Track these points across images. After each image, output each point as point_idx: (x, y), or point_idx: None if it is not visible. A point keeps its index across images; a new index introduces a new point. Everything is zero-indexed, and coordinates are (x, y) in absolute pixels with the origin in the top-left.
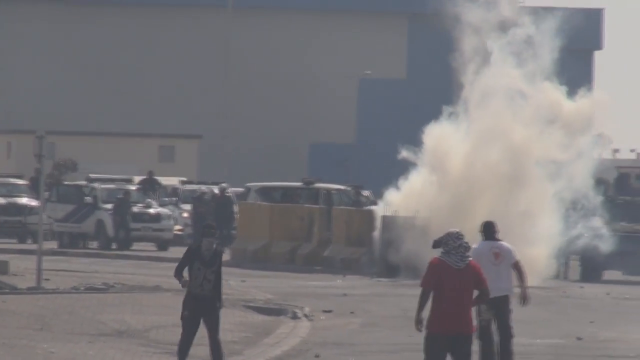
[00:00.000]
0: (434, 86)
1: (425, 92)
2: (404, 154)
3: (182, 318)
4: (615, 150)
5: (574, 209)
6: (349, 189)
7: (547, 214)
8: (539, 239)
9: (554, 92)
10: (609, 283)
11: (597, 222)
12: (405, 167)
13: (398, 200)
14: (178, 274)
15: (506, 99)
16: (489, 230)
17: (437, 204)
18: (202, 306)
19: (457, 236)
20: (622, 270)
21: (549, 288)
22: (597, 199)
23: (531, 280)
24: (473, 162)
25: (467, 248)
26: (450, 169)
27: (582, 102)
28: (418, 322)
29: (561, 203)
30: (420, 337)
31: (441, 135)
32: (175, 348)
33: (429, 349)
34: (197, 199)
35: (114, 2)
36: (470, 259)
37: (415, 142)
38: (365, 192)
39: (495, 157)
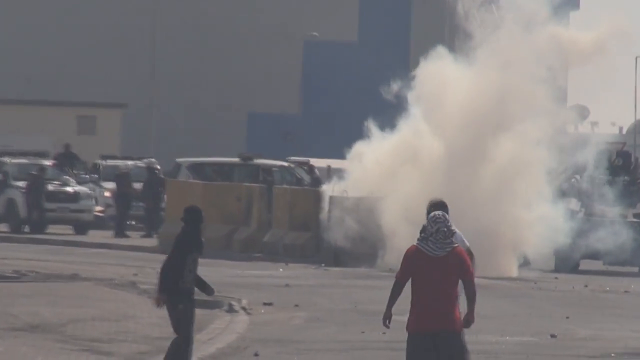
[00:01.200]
0: (388, 49)
1: (378, 55)
2: (394, 89)
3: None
4: (594, 124)
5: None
6: (292, 165)
7: (537, 196)
8: (525, 221)
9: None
10: (587, 274)
11: (574, 205)
12: (356, 137)
13: (360, 174)
14: (169, 281)
15: (523, 33)
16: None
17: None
18: (188, 299)
19: (435, 220)
20: (602, 259)
21: (520, 279)
22: (579, 179)
23: (506, 270)
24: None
25: (449, 233)
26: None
27: (599, 29)
28: (386, 317)
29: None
30: (374, 335)
31: (439, 81)
32: (95, 344)
33: (409, 353)
34: (120, 177)
35: None
36: (455, 245)
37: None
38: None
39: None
